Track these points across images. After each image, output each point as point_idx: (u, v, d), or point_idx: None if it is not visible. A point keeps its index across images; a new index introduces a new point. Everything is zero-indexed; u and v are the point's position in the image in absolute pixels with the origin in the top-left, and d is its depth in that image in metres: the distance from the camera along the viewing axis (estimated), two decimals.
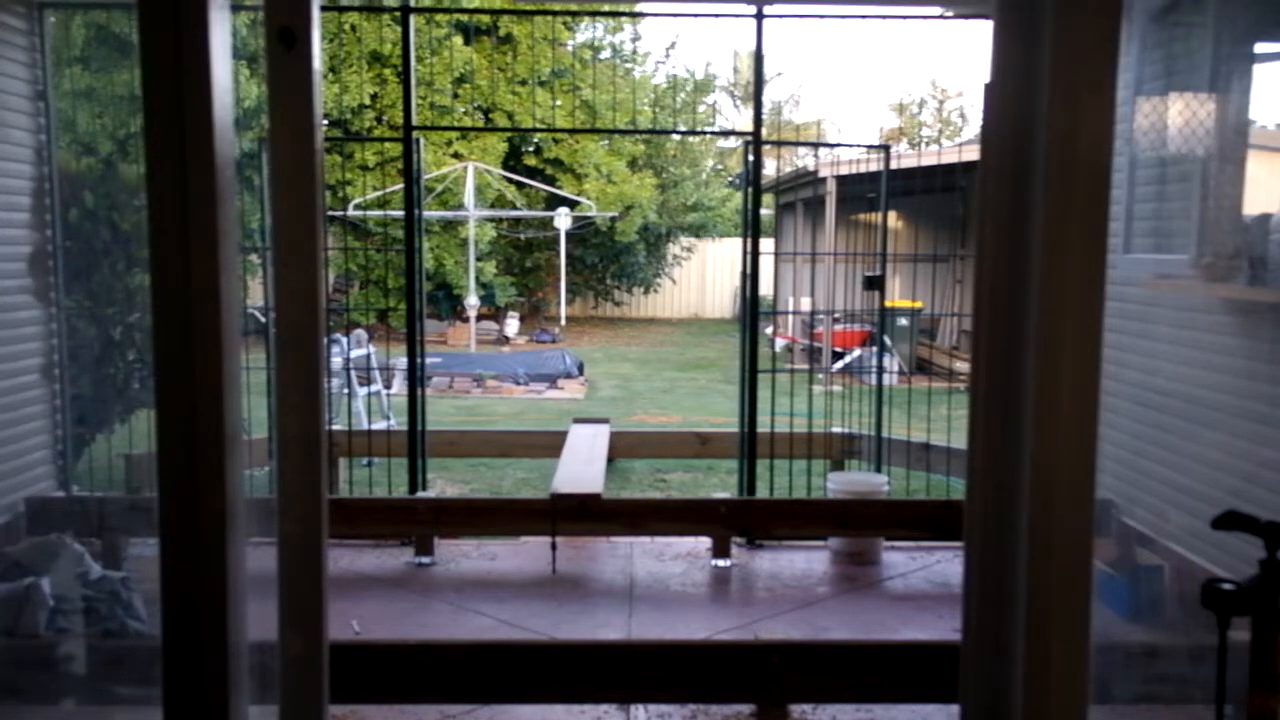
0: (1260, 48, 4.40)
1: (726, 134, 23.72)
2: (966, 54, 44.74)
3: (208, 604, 1.46)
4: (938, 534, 5.38)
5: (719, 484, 7.76)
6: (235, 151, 1.48)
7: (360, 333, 9.62)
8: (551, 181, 18.81)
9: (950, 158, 10.53)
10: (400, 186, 6.84)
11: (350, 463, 6.63)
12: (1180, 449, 4.72)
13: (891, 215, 7.23)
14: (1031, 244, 1.45)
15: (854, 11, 6.45)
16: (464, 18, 15.67)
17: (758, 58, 5.93)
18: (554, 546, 5.39)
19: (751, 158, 6.02)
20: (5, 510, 5.00)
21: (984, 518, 1.57)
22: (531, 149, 19.25)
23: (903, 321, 13.50)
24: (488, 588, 5.18)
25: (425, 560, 5.50)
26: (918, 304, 13.45)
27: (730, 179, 24.27)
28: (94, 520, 4.90)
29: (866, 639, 4.43)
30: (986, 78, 1.52)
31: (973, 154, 8.57)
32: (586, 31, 19.80)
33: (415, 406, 6.09)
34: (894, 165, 7.61)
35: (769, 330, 13.46)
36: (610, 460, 6.77)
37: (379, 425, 7.81)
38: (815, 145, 17.83)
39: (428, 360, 8.23)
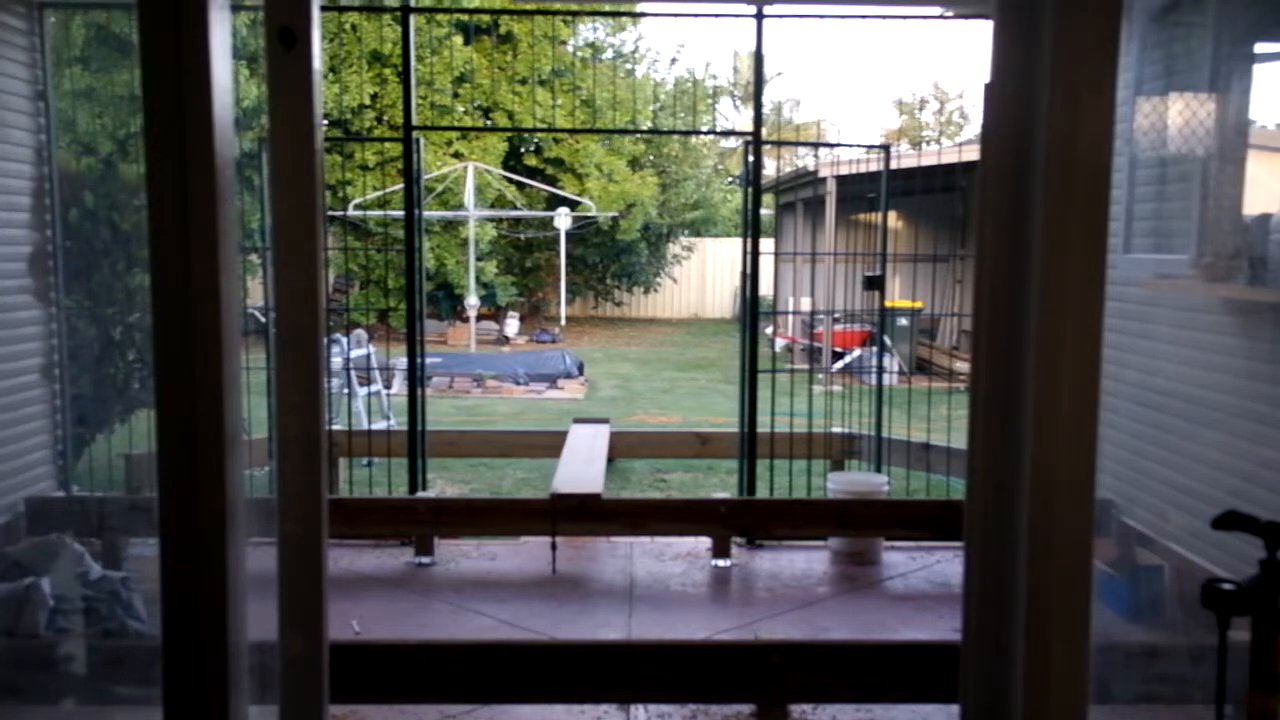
0: (1260, 48, 4.40)
1: (727, 134, 23.69)
2: (967, 54, 44.81)
3: (208, 604, 1.46)
4: (938, 534, 5.38)
5: (719, 484, 7.76)
6: (235, 151, 1.48)
7: (360, 333, 9.62)
8: (552, 181, 18.80)
9: (950, 158, 10.52)
10: (400, 186, 6.84)
11: (350, 463, 6.63)
12: (1180, 449, 4.72)
13: (891, 215, 7.23)
14: (1031, 244, 1.45)
15: (854, 11, 6.46)
16: (464, 17, 15.67)
17: (758, 58, 5.93)
18: (554, 546, 5.39)
19: (751, 158, 6.02)
20: (5, 510, 5.00)
21: (984, 518, 1.57)
22: (532, 148, 19.24)
23: (903, 321, 13.50)
24: (488, 588, 5.18)
25: (425, 560, 5.50)
26: (918, 304, 13.44)
27: (730, 179, 24.28)
28: (94, 520, 4.90)
29: (866, 639, 4.43)
30: (986, 78, 1.52)
31: (973, 154, 8.57)
32: (587, 32, 19.81)
33: (415, 406, 6.09)
34: (894, 165, 7.61)
35: (769, 330, 13.45)
36: (610, 460, 6.77)
37: (379, 425, 7.81)
38: (815, 145, 17.80)
39: (428, 360, 8.23)
